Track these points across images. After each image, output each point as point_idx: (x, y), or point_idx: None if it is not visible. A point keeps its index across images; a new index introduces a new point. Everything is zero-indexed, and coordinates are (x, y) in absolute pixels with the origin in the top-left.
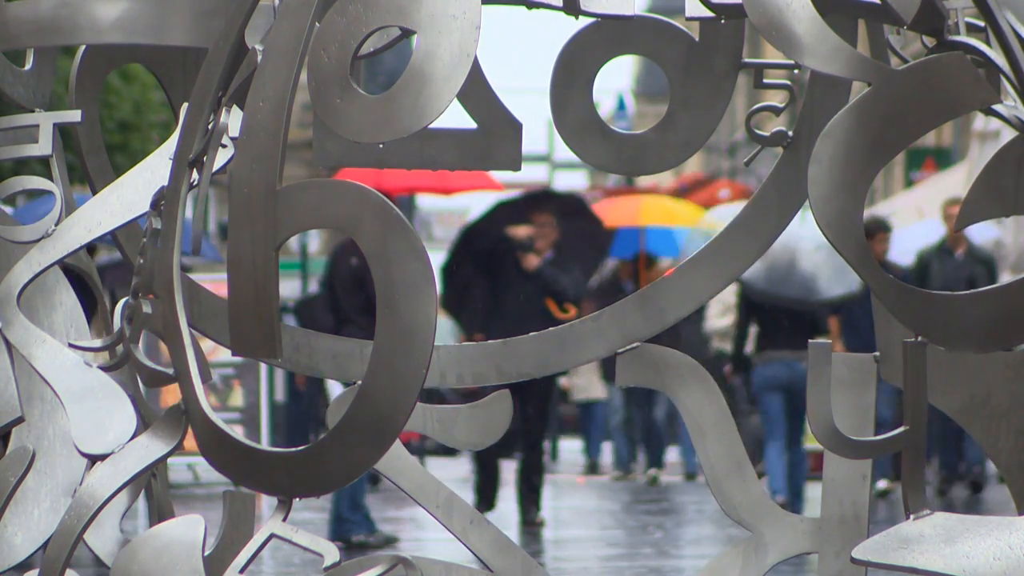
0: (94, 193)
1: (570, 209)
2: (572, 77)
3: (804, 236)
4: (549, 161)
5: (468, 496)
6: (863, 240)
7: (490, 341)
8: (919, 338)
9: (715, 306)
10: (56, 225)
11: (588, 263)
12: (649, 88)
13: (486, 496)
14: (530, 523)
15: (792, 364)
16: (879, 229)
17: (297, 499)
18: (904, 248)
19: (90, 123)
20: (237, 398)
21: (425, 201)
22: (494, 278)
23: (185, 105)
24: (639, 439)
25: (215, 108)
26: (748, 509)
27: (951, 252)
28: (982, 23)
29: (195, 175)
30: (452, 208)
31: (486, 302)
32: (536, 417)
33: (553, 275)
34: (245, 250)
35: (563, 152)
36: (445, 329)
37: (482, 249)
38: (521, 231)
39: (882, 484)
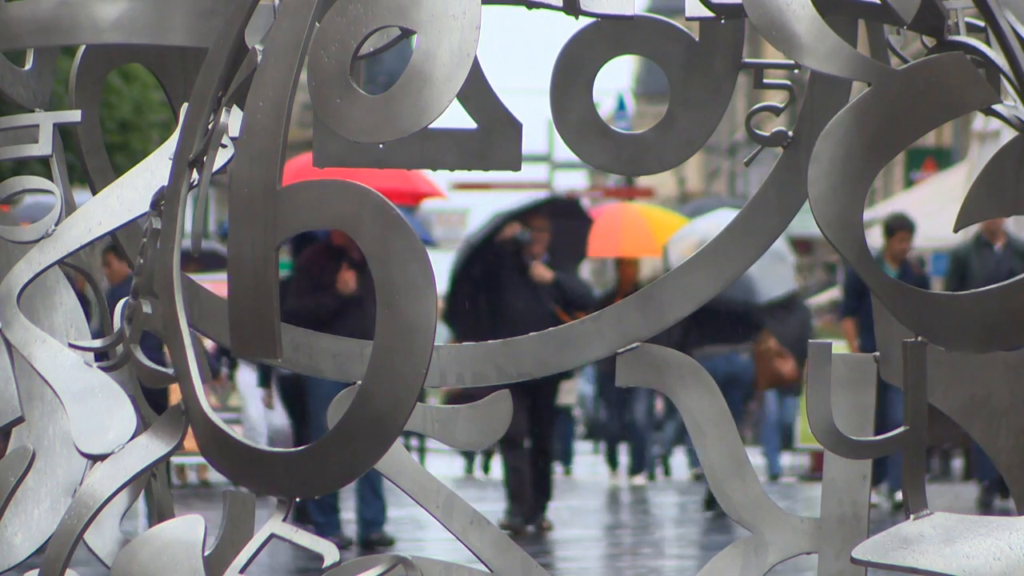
0: (94, 193)
1: (563, 209)
2: (572, 77)
3: None
4: (549, 161)
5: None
6: (862, 240)
7: (490, 341)
8: (919, 338)
9: None
10: (56, 225)
11: (577, 259)
12: (649, 88)
13: (521, 506)
14: (539, 527)
15: (730, 357)
16: (901, 227)
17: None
18: None
19: (90, 123)
20: (237, 398)
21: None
22: (501, 289)
23: (185, 105)
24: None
25: (215, 108)
26: (748, 509)
27: (990, 245)
28: (982, 23)
29: (195, 175)
30: (452, 208)
31: (494, 315)
32: (544, 419)
33: (571, 285)
34: (245, 250)
35: (563, 152)
36: (444, 337)
37: (486, 263)
38: (511, 230)
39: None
